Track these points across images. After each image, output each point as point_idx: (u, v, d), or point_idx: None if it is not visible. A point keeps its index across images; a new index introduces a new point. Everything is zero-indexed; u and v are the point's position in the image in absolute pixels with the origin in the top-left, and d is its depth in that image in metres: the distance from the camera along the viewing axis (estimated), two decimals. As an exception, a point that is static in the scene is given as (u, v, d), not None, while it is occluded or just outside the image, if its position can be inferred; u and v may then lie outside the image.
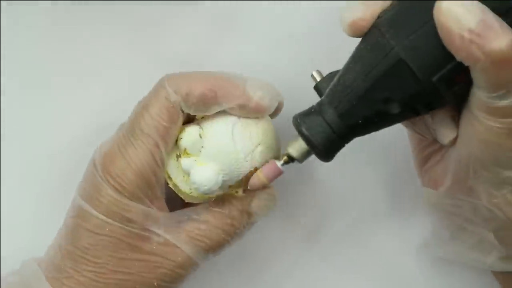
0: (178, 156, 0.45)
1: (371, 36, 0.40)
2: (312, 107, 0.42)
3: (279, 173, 0.44)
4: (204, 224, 0.46)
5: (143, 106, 0.45)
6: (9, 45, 0.53)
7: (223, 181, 0.45)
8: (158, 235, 0.45)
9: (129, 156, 0.44)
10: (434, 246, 0.51)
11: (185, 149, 0.45)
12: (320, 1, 0.52)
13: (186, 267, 0.45)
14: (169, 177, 0.46)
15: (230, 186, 0.46)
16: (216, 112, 0.45)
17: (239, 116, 0.45)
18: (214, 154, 0.45)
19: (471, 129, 0.40)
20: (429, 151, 0.47)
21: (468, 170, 0.42)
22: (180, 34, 0.54)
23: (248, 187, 0.45)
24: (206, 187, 0.44)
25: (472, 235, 0.45)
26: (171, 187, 0.46)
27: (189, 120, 0.47)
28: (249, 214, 0.47)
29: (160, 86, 0.45)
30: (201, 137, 0.45)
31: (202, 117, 0.46)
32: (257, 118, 0.46)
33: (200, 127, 0.45)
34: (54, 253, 0.46)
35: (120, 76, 0.54)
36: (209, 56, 0.54)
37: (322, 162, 0.43)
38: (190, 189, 0.46)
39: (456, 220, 0.46)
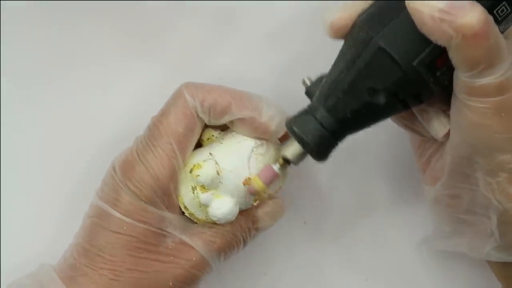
0: (194, 189, 0.46)
1: (352, 34, 0.41)
2: (303, 108, 0.43)
3: (276, 176, 0.45)
4: (215, 226, 0.47)
5: (162, 114, 0.46)
6: (9, 45, 0.53)
7: (239, 208, 0.46)
8: (174, 235, 0.46)
9: (148, 162, 0.45)
10: (435, 240, 0.51)
11: (202, 185, 0.46)
12: (323, 1, 0.51)
13: (200, 268, 0.46)
14: (186, 208, 0.46)
15: None
16: (229, 139, 0.47)
17: (253, 147, 0.46)
18: (232, 189, 0.46)
19: (459, 115, 0.40)
20: (429, 153, 0.47)
21: (463, 158, 0.42)
22: (180, 34, 0.54)
23: (249, 193, 0.46)
24: (225, 220, 0.46)
25: (471, 226, 0.45)
26: (188, 215, 0.47)
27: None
28: (254, 220, 0.48)
29: (178, 93, 0.46)
30: (218, 173, 0.45)
31: (208, 139, 0.47)
32: (271, 148, 0.47)
33: (216, 162, 0.46)
34: (70, 254, 0.46)
35: (119, 77, 0.54)
36: (209, 56, 0.54)
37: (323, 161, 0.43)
38: (207, 217, 0.47)
39: (456, 212, 0.45)
